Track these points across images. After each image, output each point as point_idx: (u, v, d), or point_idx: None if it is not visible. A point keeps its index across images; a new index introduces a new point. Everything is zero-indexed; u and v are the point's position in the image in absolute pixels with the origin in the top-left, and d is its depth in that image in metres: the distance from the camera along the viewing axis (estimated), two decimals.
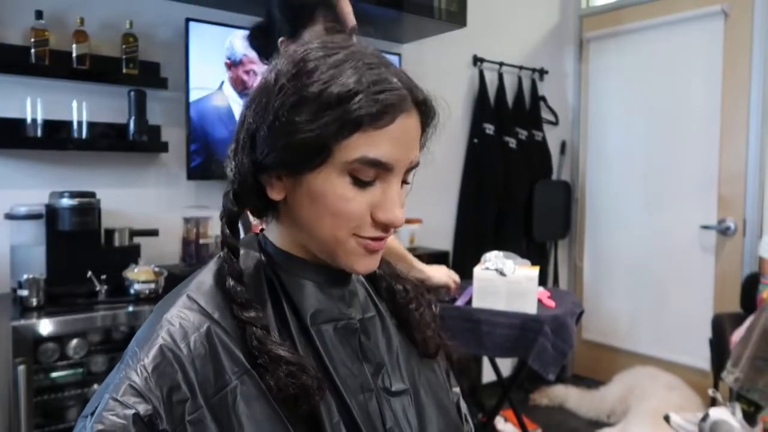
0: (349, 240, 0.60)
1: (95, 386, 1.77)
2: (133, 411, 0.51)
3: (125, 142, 2.11)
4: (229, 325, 0.57)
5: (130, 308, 1.83)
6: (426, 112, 0.62)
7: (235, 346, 0.56)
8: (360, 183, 0.58)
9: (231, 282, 0.59)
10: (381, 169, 0.58)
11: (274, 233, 0.65)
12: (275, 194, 0.61)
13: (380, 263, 0.72)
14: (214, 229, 2.25)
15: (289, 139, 0.57)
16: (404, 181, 0.62)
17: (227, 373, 0.55)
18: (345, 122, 0.55)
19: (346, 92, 0.55)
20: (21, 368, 1.61)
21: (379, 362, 0.64)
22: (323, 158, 0.57)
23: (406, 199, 0.64)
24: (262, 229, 0.68)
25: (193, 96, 2.22)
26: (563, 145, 3.68)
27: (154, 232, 2.13)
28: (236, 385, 0.55)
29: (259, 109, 0.59)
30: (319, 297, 0.63)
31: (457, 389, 0.79)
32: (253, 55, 1.64)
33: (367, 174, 0.58)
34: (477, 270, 1.93)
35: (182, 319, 0.57)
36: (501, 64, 3.23)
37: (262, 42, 1.37)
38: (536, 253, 3.38)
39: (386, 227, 0.60)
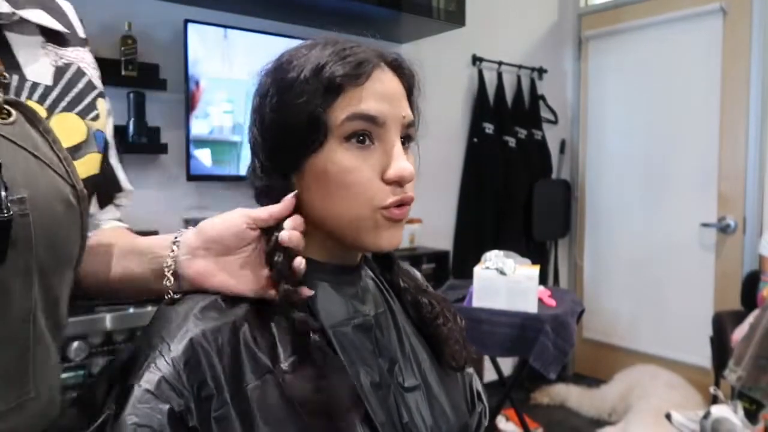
0: (374, 215, 0.60)
1: None
2: (168, 406, 0.50)
3: (124, 144, 2.10)
4: (255, 323, 0.57)
5: (131, 310, 1.82)
6: (401, 70, 0.63)
7: (259, 345, 0.56)
8: (359, 148, 0.59)
9: (278, 256, 0.59)
10: (373, 125, 0.59)
11: None
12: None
13: (403, 276, 0.73)
14: None
15: (282, 129, 0.60)
16: (406, 141, 0.63)
17: (251, 370, 0.55)
18: (325, 90, 0.58)
19: (318, 65, 0.59)
20: None
21: (392, 358, 0.64)
22: (319, 134, 0.58)
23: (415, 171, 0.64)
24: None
25: None
26: (563, 144, 3.68)
27: (154, 234, 2.12)
28: (258, 384, 0.54)
29: (255, 122, 0.63)
30: (335, 297, 0.63)
31: (470, 369, 0.79)
32: None
33: (361, 132, 0.59)
34: (477, 269, 1.93)
35: (209, 314, 0.56)
36: (500, 63, 3.23)
37: None
38: (536, 252, 3.38)
39: (399, 183, 0.60)
